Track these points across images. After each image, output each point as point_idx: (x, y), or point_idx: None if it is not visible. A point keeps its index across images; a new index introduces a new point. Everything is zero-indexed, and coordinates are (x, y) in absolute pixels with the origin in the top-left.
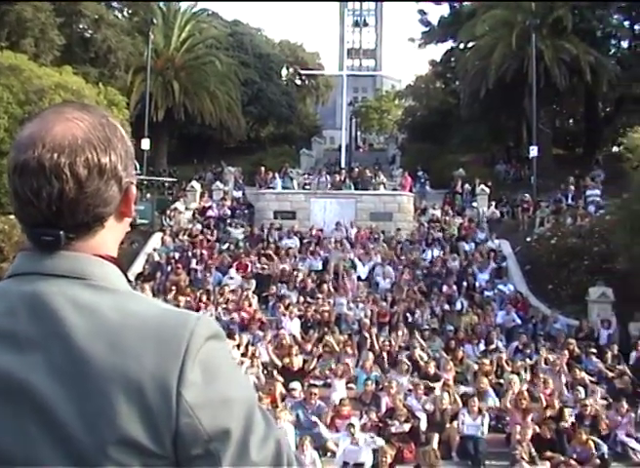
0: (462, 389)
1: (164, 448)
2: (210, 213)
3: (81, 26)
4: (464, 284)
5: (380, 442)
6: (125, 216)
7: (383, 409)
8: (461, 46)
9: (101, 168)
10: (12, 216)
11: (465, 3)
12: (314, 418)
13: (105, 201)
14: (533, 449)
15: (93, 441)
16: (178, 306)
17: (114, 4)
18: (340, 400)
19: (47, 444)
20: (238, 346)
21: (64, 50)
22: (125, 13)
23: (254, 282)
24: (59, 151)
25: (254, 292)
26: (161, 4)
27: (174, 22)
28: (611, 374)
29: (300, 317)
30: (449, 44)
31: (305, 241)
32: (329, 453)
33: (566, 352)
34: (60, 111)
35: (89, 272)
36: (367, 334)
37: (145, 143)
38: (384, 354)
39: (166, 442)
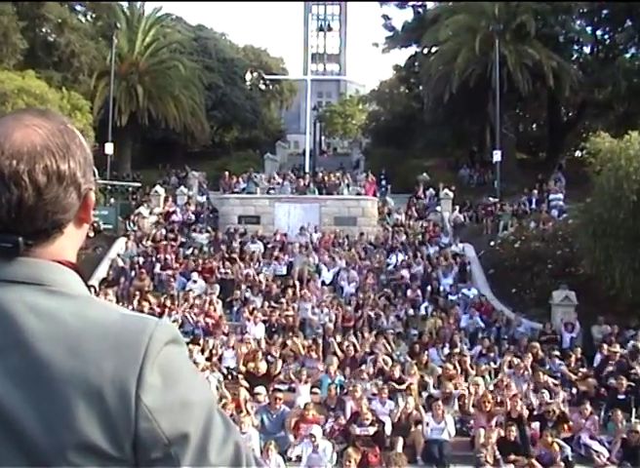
0: (427, 393)
1: (123, 452)
2: (174, 217)
3: (44, 30)
4: (429, 288)
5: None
6: (84, 223)
7: (348, 414)
8: (425, 51)
9: (60, 174)
10: None
11: (430, 6)
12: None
13: (64, 208)
14: (497, 452)
15: (52, 444)
16: (142, 311)
17: (78, 8)
18: (305, 404)
19: (5, 447)
20: (203, 351)
21: (27, 54)
22: (89, 17)
23: (218, 287)
24: (17, 158)
25: (218, 297)
26: (125, 8)
27: (138, 27)
28: (574, 377)
29: (264, 322)
30: (413, 49)
31: (270, 245)
32: (294, 458)
33: (530, 355)
34: (19, 118)
35: (49, 278)
36: (331, 339)
37: (109, 148)
38: (349, 358)
39: (125, 446)
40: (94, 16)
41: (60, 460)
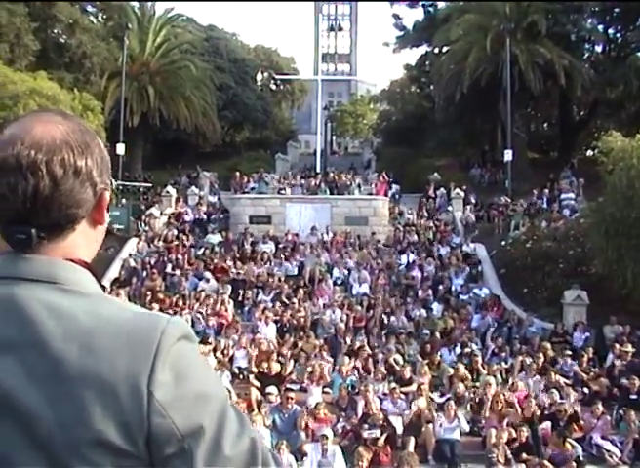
0: (438, 393)
1: (137, 449)
2: (185, 218)
3: (56, 31)
4: (440, 288)
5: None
6: (98, 224)
7: (360, 414)
8: (436, 50)
9: (77, 169)
10: None
11: (441, 6)
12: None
13: (78, 202)
14: (509, 452)
15: (67, 442)
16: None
17: (89, 9)
18: (317, 404)
19: (23, 445)
20: (214, 351)
21: (39, 55)
22: (100, 18)
23: (229, 287)
24: (36, 149)
25: (229, 297)
26: (136, 9)
27: (149, 27)
28: (586, 377)
29: (275, 322)
30: (423, 48)
31: (281, 246)
32: (305, 458)
33: (541, 355)
34: (40, 115)
35: (62, 277)
36: (342, 339)
37: (120, 148)
38: (360, 359)
39: (139, 442)
40: (105, 16)
41: (75, 458)
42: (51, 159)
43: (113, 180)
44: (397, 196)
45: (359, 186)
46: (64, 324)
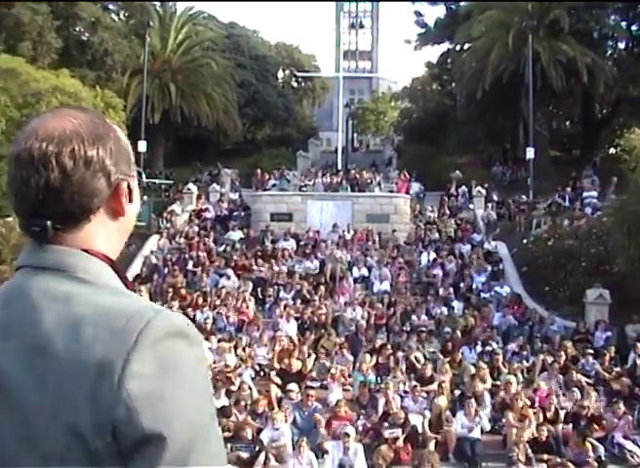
0: (459, 391)
1: (105, 441)
2: (206, 215)
3: (78, 29)
4: (461, 286)
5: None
6: (118, 214)
7: (380, 412)
8: (458, 47)
9: (87, 159)
10: (9, 219)
11: (462, 3)
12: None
13: (92, 192)
14: (529, 451)
15: (49, 425)
16: (170, 309)
17: (111, 7)
18: (337, 402)
19: (8, 426)
20: (235, 348)
21: (62, 53)
22: (121, 15)
23: (250, 284)
24: (47, 141)
25: (250, 294)
26: (157, 6)
27: (170, 25)
28: (608, 376)
29: (296, 319)
30: (445, 45)
31: (302, 243)
32: (326, 456)
33: (562, 354)
34: (58, 110)
35: (71, 264)
36: (363, 337)
37: (142, 146)
38: (381, 356)
39: (107, 431)
40: (126, 14)
41: (50, 441)
42: (61, 151)
43: (142, 173)
44: (422, 195)
45: (379, 184)
46: (59, 309)
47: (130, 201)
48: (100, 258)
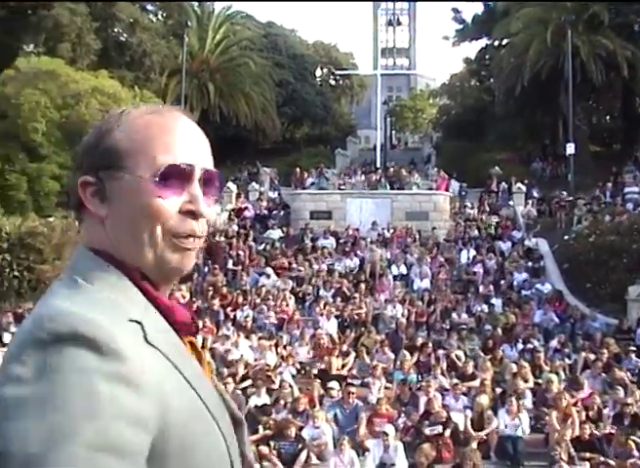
0: (501, 389)
1: None
2: (246, 213)
3: (116, 30)
4: (502, 283)
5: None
6: (94, 215)
7: (421, 410)
8: (496, 43)
9: (76, 156)
10: (51, 219)
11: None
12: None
13: (72, 189)
14: (572, 450)
15: None
16: (211, 307)
17: (149, 7)
18: (378, 400)
19: None
20: (276, 346)
21: (100, 54)
22: (159, 16)
23: (290, 282)
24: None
25: (290, 293)
26: (195, 6)
27: (208, 25)
28: None
29: (336, 317)
30: (483, 42)
31: (341, 241)
32: (367, 453)
33: (605, 351)
34: None
35: (71, 264)
36: (404, 334)
37: None
38: (422, 354)
39: None
40: (164, 15)
41: None
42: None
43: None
44: (463, 193)
45: (416, 184)
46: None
47: (101, 201)
48: (98, 255)
